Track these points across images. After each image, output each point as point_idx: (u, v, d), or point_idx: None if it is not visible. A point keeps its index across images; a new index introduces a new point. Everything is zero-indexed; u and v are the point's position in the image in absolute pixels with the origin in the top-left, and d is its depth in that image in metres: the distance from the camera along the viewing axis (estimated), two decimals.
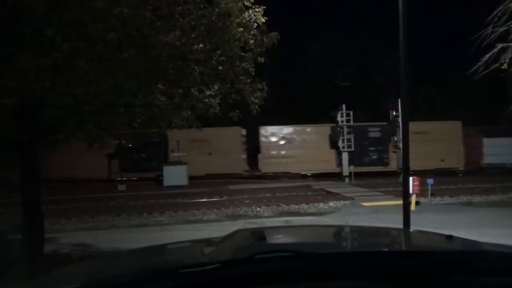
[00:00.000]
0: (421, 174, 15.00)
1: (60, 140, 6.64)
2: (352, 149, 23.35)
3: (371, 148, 25.00)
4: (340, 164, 23.56)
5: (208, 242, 1.96)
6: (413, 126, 22.68)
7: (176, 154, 22.84)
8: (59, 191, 17.41)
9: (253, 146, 25.24)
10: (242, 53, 6.16)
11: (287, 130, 25.07)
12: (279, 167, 24.44)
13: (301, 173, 24.59)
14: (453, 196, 15.91)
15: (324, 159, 24.33)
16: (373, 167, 24.72)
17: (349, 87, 32.83)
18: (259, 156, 24.74)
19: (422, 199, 13.82)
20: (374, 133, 25.05)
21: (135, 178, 23.68)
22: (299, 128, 25.22)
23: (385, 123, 23.64)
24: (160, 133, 23.00)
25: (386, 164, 24.82)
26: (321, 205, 14.77)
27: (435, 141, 23.78)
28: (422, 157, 20.66)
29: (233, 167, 24.18)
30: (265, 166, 24.52)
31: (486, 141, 24.71)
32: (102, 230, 11.15)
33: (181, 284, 1.24)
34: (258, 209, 14.18)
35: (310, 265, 1.30)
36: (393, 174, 22.31)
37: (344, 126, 23.34)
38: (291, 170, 24.46)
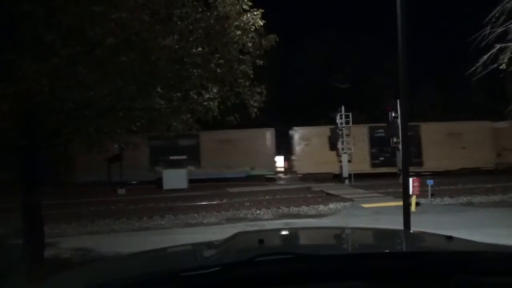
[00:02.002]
0: None
1: (60, 144, 6.63)
2: (351, 150, 23.37)
3: None
4: None
5: (208, 245, 1.96)
6: None
7: (175, 158, 22.89)
8: (59, 196, 17.40)
9: None
10: (241, 56, 6.17)
11: None
12: None
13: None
14: (453, 197, 15.92)
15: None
16: None
17: (348, 89, 32.88)
18: None
19: (422, 200, 13.83)
20: None
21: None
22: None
23: None
24: (413, 126, 23.82)
25: None
26: (321, 207, 14.77)
27: None
28: None
29: (485, 161, 24.68)
30: None
31: None
32: (103, 234, 11.14)
33: (182, 287, 1.24)
34: (258, 211, 14.17)
35: (311, 267, 1.30)
36: None
37: (343, 128, 23.38)
38: None
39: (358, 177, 22.72)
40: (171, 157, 24.62)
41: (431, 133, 24.69)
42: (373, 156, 24.84)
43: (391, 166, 23.64)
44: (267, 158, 24.91)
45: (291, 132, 25.45)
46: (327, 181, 22.92)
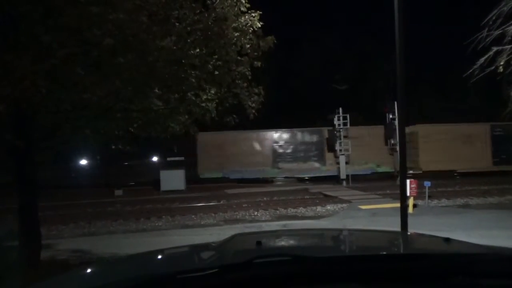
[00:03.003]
0: None
1: (57, 145, 6.61)
2: (349, 152, 23.38)
3: None
4: None
5: (206, 247, 1.95)
6: None
7: (172, 159, 22.86)
8: (56, 197, 17.35)
9: None
10: (239, 57, 6.18)
11: None
12: None
13: None
14: (450, 199, 15.94)
15: None
16: None
17: (346, 91, 32.95)
18: None
19: (419, 202, 13.84)
20: None
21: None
22: None
23: None
24: None
25: None
26: (319, 208, 14.77)
27: None
28: None
29: None
30: None
31: None
32: (99, 236, 11.11)
33: None
34: (255, 213, 14.16)
35: (308, 269, 1.30)
36: None
37: (341, 129, 23.41)
38: None
39: (474, 176, 22.79)
40: (295, 155, 24.58)
41: None
42: (494, 154, 24.87)
43: None
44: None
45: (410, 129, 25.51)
46: (326, 183, 22.94)
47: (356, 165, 24.22)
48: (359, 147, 24.04)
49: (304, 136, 24.81)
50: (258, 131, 23.82)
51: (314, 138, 24.81)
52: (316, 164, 24.70)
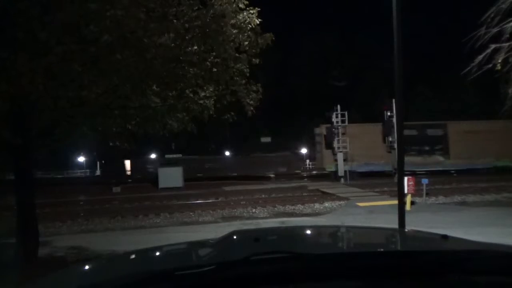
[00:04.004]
0: None
1: (54, 143, 6.59)
2: (347, 149, 23.42)
3: None
4: None
5: (203, 243, 1.95)
6: None
7: (171, 156, 22.88)
8: (54, 194, 17.32)
9: None
10: (237, 55, 6.16)
11: None
12: None
13: None
14: (447, 196, 15.99)
15: None
16: None
17: (345, 88, 32.97)
18: None
19: (417, 199, 13.89)
20: None
21: None
22: None
23: None
24: None
25: None
26: (317, 205, 14.80)
27: None
28: None
29: None
30: None
31: None
32: (97, 233, 11.10)
33: (177, 286, 1.23)
34: (253, 210, 14.18)
35: (306, 266, 1.30)
36: None
37: (339, 127, 23.43)
38: None
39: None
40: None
41: None
42: None
43: None
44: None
45: None
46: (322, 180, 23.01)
47: (473, 159, 24.30)
48: (484, 141, 23.92)
49: (428, 130, 24.93)
50: (380, 124, 23.73)
51: (439, 132, 24.95)
52: (441, 158, 24.82)
